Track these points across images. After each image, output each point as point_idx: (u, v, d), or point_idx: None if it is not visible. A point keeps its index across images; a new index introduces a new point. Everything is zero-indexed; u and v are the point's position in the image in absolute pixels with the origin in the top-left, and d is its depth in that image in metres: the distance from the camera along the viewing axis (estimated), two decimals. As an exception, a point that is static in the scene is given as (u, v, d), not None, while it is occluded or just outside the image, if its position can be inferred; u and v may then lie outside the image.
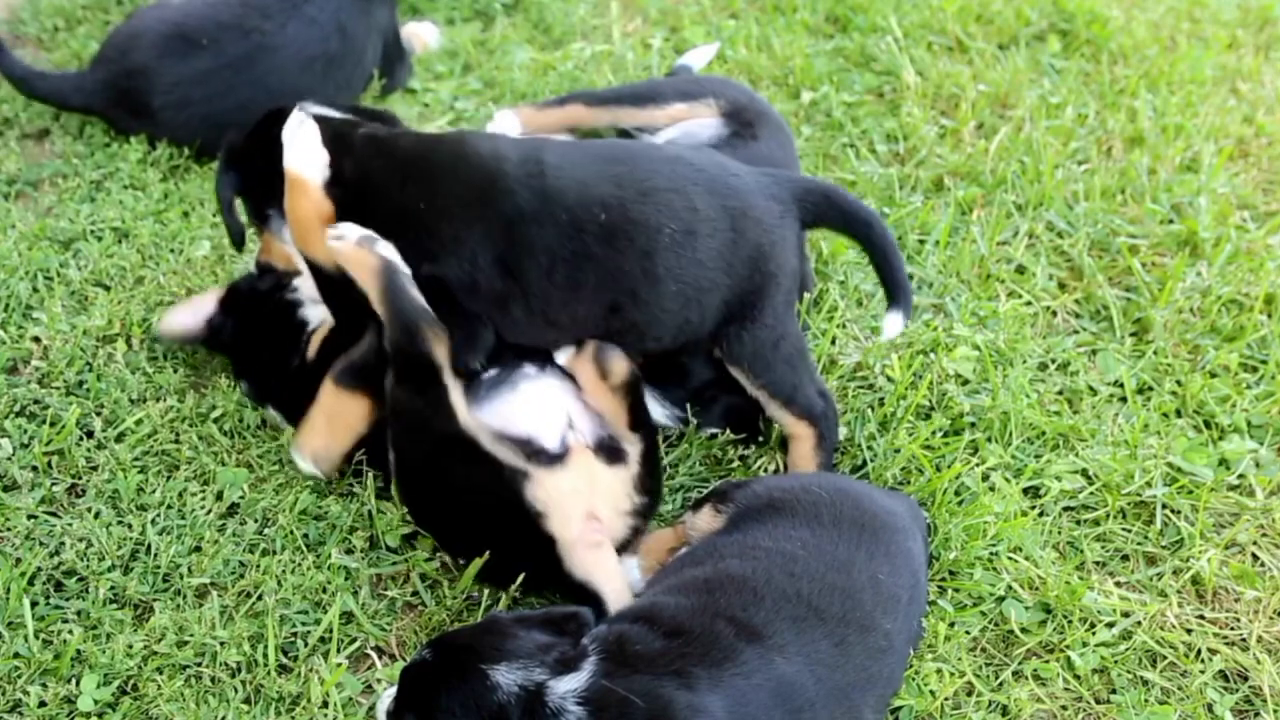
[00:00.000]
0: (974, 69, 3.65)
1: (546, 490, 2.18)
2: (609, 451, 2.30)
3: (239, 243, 2.63)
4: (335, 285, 2.34)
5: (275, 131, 2.36)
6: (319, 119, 2.39)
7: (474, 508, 2.24)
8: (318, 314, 2.55)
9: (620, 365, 2.34)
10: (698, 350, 2.53)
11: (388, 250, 2.25)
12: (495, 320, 2.33)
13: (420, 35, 3.75)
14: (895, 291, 2.47)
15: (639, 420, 2.36)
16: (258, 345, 2.60)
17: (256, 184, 2.52)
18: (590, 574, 2.19)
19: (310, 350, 2.52)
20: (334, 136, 2.36)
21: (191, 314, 2.67)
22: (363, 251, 2.24)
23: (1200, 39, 3.97)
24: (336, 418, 2.39)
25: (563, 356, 2.41)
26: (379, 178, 2.33)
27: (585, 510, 2.21)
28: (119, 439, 2.54)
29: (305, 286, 2.56)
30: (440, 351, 2.23)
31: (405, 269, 2.26)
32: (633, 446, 2.34)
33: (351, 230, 2.27)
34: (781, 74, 3.61)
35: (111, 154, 3.25)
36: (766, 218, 2.43)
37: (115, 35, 3.27)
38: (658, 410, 2.52)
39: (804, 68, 3.59)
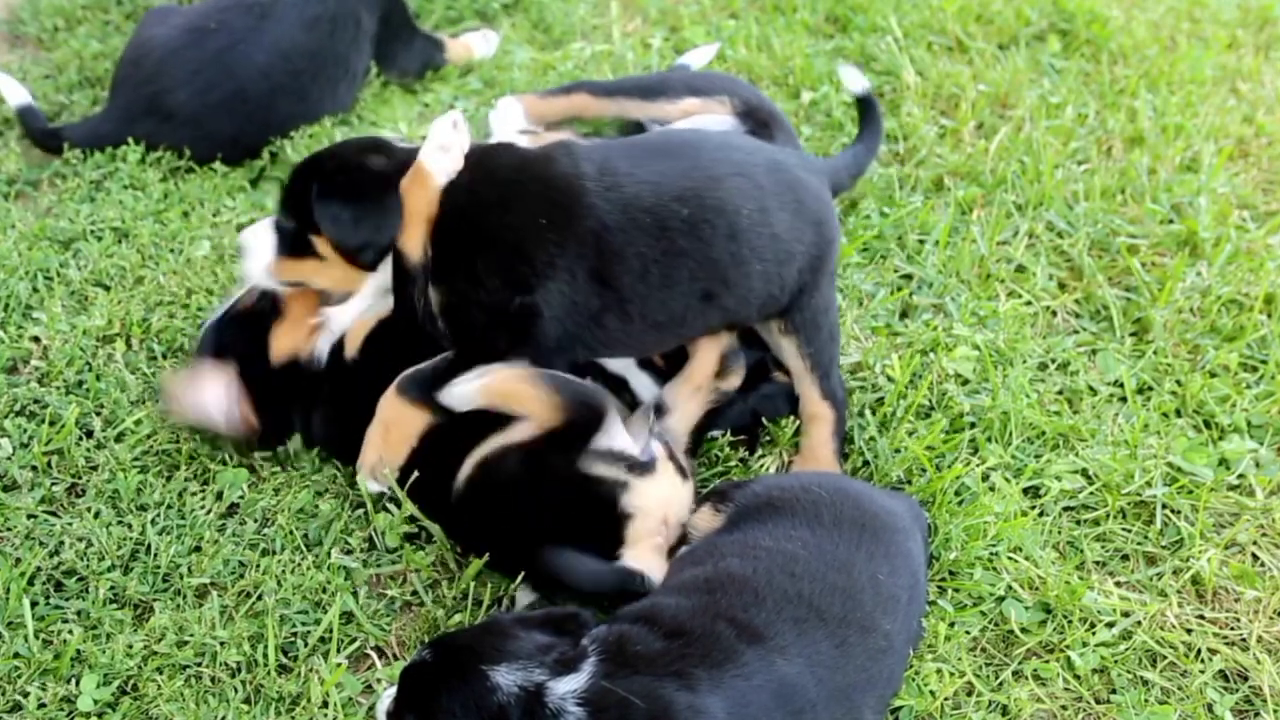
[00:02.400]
0: (974, 69, 3.65)
1: (642, 497, 2.26)
2: (679, 467, 2.37)
3: None
4: (412, 282, 2.37)
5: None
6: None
7: (551, 519, 2.28)
8: (340, 323, 2.53)
9: (736, 377, 2.51)
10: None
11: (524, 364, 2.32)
12: (589, 337, 2.37)
13: (466, 42, 3.70)
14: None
15: (699, 438, 2.47)
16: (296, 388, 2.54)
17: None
18: (643, 566, 2.27)
19: (351, 348, 2.49)
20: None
21: (214, 399, 2.46)
22: (519, 381, 2.28)
23: (1200, 39, 3.96)
24: (394, 428, 2.36)
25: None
26: (482, 200, 2.33)
27: (662, 516, 2.30)
28: (119, 439, 2.54)
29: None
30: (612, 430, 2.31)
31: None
32: (688, 463, 2.43)
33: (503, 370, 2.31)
34: (781, 74, 3.61)
35: (111, 154, 3.24)
36: (814, 187, 2.54)
37: (124, 56, 3.31)
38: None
39: (804, 68, 3.58)
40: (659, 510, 2.29)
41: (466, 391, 2.29)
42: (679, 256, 2.33)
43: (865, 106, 3.01)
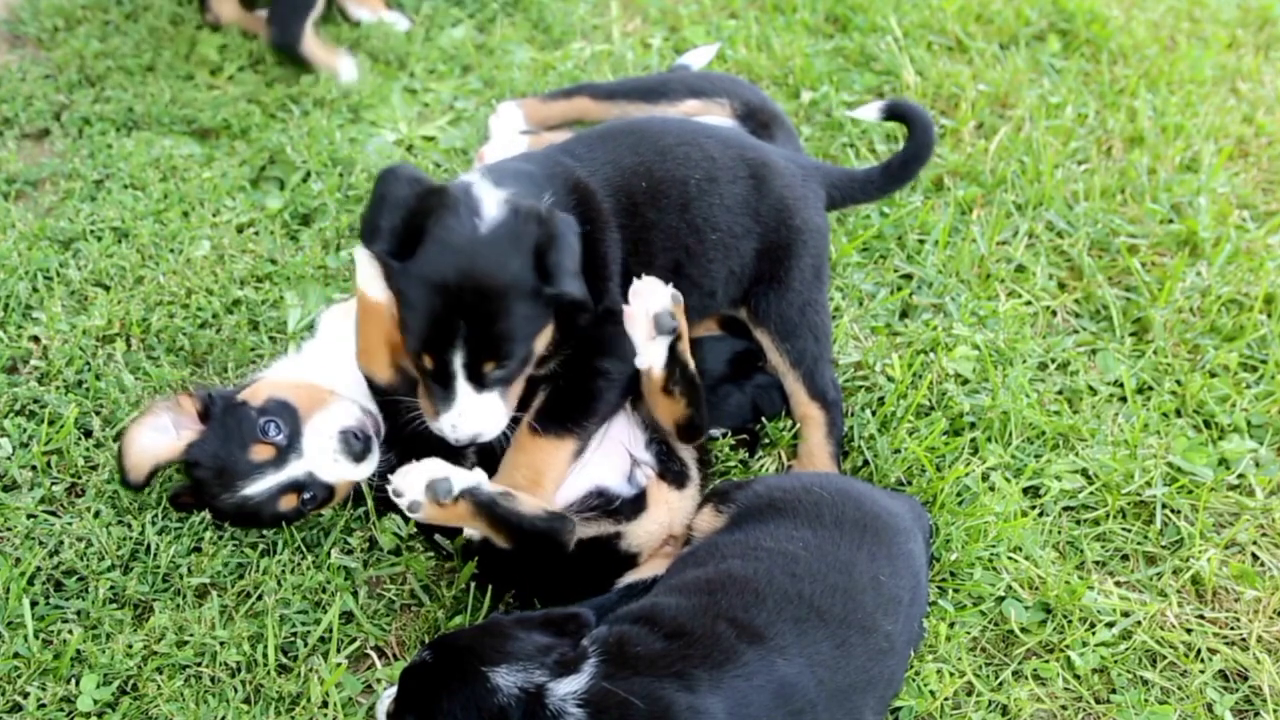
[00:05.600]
0: (974, 69, 3.65)
1: (639, 538, 2.29)
2: (676, 476, 2.37)
3: None
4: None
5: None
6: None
7: (568, 571, 2.28)
8: None
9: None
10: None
11: None
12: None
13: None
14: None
15: (693, 428, 2.37)
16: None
17: None
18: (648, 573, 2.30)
19: None
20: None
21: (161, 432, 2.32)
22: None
23: (1200, 39, 3.96)
24: (551, 469, 2.29)
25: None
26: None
27: (666, 535, 2.34)
28: (118, 438, 2.53)
29: None
30: None
31: None
32: (691, 458, 2.41)
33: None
34: (781, 74, 3.61)
35: (111, 154, 3.24)
36: (787, 175, 2.53)
37: None
38: None
39: (804, 68, 3.58)
40: (662, 534, 2.32)
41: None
42: (648, 230, 2.35)
43: (911, 128, 2.82)
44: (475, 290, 2.05)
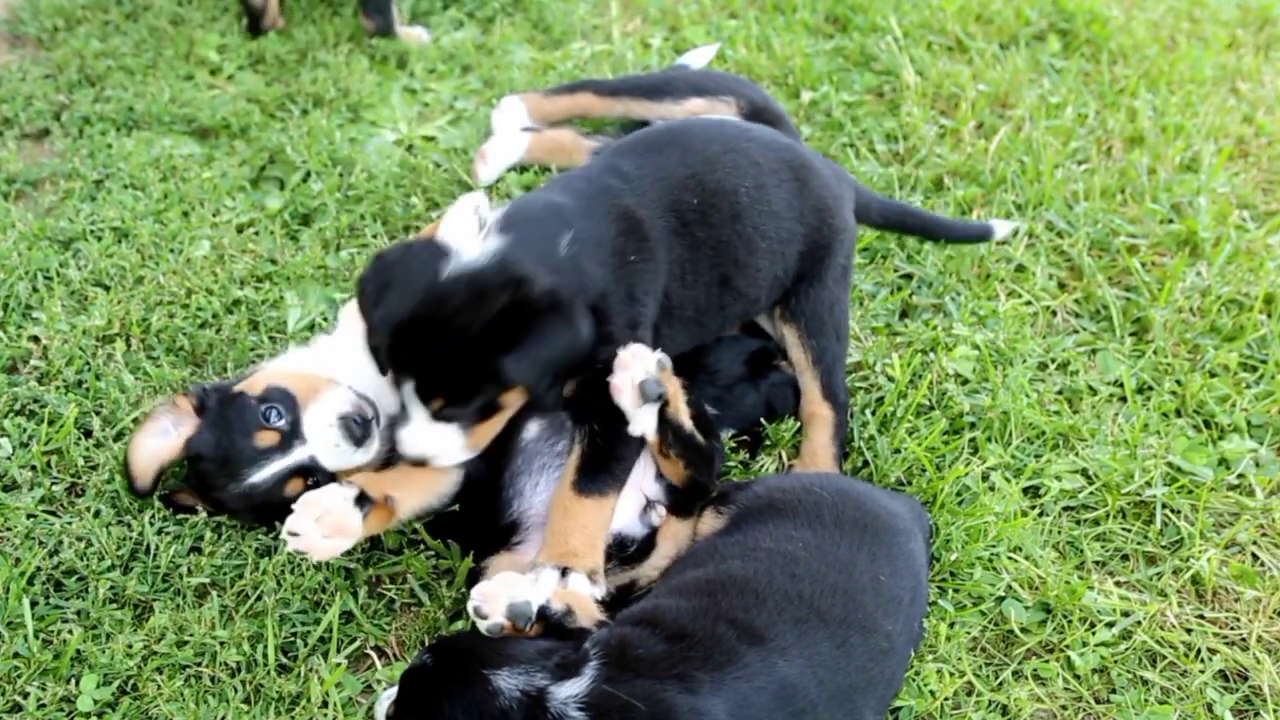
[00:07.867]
0: (974, 69, 3.65)
1: (648, 575, 2.31)
2: (682, 509, 2.35)
3: None
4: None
5: None
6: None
7: None
8: None
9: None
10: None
11: None
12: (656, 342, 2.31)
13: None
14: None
15: (696, 488, 2.34)
16: None
17: None
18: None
19: None
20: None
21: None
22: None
23: (1200, 39, 3.96)
24: (602, 528, 2.25)
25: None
26: (590, 274, 2.20)
27: (671, 561, 2.32)
28: (118, 438, 2.54)
29: None
30: None
31: None
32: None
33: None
34: (781, 74, 3.60)
35: (111, 154, 3.24)
36: (823, 173, 2.54)
37: None
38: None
39: (804, 67, 3.58)
40: (667, 564, 2.32)
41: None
42: (698, 248, 2.32)
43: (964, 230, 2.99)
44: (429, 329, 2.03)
